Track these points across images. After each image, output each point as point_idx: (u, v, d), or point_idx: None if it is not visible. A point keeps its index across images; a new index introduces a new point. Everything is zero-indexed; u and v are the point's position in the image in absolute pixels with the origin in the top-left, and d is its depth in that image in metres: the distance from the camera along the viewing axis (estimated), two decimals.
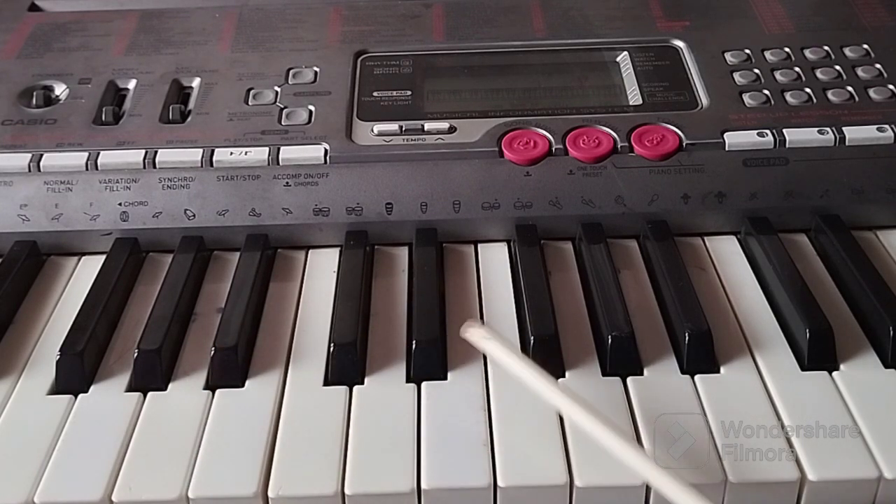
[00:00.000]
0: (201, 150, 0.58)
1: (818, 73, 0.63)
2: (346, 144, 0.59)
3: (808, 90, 0.61)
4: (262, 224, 0.57)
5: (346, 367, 0.48)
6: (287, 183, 0.57)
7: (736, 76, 0.63)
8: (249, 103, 0.62)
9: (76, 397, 0.48)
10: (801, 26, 0.67)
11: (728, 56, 0.64)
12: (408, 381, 0.48)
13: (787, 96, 0.61)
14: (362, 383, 0.48)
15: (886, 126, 0.58)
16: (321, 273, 0.56)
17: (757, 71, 0.63)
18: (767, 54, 0.65)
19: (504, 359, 0.46)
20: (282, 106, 0.62)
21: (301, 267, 0.57)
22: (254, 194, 0.57)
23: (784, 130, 0.58)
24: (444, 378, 0.48)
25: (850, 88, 0.62)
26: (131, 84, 0.64)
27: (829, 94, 0.61)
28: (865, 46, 0.65)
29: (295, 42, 0.67)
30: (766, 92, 0.61)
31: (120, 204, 0.57)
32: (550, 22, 0.69)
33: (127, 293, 0.55)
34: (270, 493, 0.42)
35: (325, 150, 0.58)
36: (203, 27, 0.69)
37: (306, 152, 0.58)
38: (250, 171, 0.58)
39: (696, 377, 0.48)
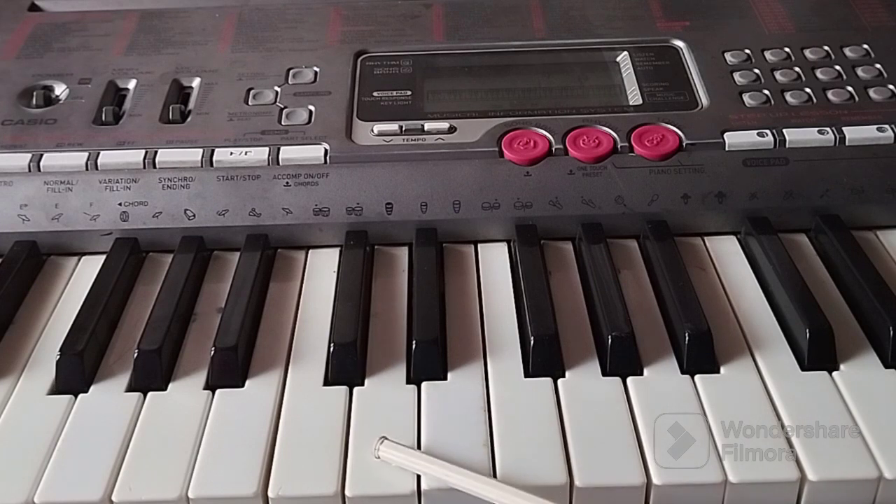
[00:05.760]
0: (201, 150, 0.58)
1: (818, 73, 0.63)
2: (346, 144, 0.59)
3: (808, 90, 0.61)
4: (262, 224, 0.57)
5: (346, 368, 0.48)
6: (287, 183, 0.57)
7: (736, 76, 0.63)
8: (249, 103, 0.62)
9: (76, 397, 0.48)
10: (801, 26, 0.67)
11: (728, 56, 0.64)
12: (408, 381, 0.48)
13: (787, 96, 0.61)
14: (362, 383, 0.48)
15: (886, 126, 0.58)
16: (321, 273, 0.56)
17: (757, 71, 0.63)
18: (767, 54, 0.64)
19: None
20: (282, 106, 0.62)
21: (301, 267, 0.57)
22: (254, 194, 0.57)
23: (784, 130, 0.58)
24: (444, 378, 0.48)
25: (850, 88, 0.62)
26: (131, 84, 0.64)
27: (829, 94, 0.61)
28: (865, 46, 0.65)
29: (295, 42, 0.67)
30: (766, 92, 0.61)
31: (120, 204, 0.57)
32: (550, 22, 0.69)
33: (127, 293, 0.55)
34: (270, 493, 0.42)
35: (325, 150, 0.58)
36: (203, 27, 0.69)
37: (306, 152, 0.58)
38: (250, 171, 0.58)
39: (696, 377, 0.48)
